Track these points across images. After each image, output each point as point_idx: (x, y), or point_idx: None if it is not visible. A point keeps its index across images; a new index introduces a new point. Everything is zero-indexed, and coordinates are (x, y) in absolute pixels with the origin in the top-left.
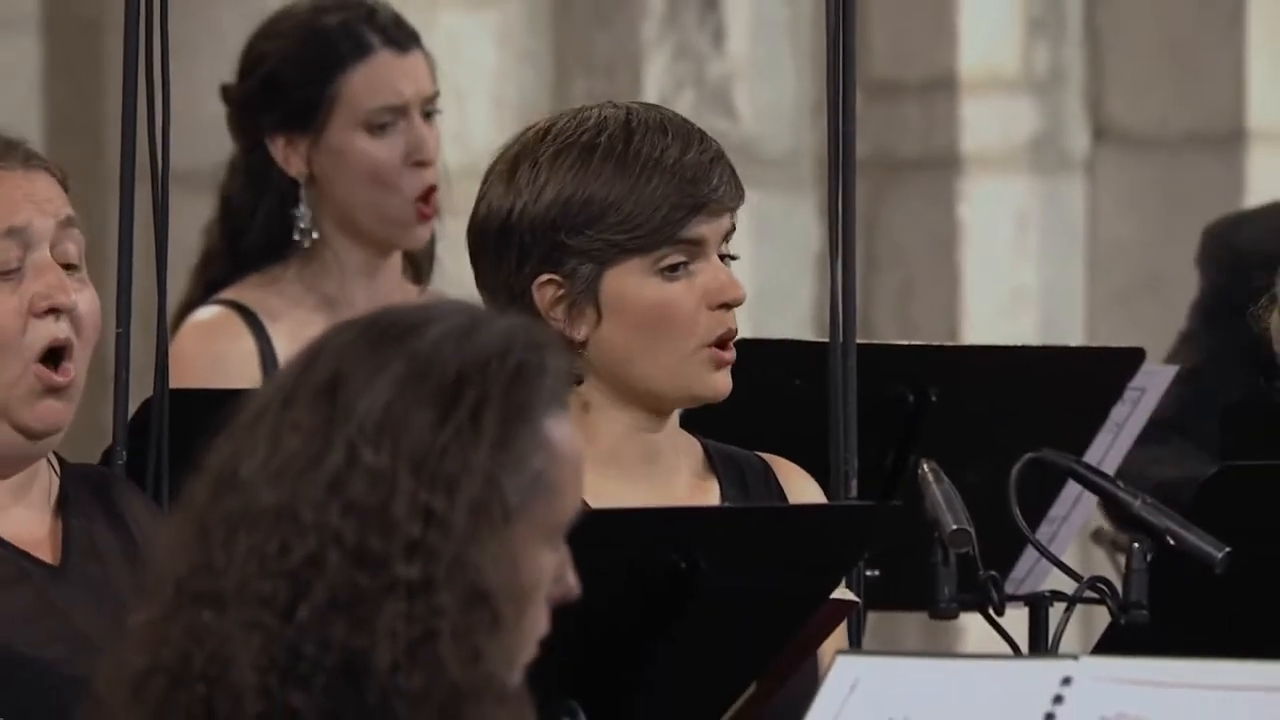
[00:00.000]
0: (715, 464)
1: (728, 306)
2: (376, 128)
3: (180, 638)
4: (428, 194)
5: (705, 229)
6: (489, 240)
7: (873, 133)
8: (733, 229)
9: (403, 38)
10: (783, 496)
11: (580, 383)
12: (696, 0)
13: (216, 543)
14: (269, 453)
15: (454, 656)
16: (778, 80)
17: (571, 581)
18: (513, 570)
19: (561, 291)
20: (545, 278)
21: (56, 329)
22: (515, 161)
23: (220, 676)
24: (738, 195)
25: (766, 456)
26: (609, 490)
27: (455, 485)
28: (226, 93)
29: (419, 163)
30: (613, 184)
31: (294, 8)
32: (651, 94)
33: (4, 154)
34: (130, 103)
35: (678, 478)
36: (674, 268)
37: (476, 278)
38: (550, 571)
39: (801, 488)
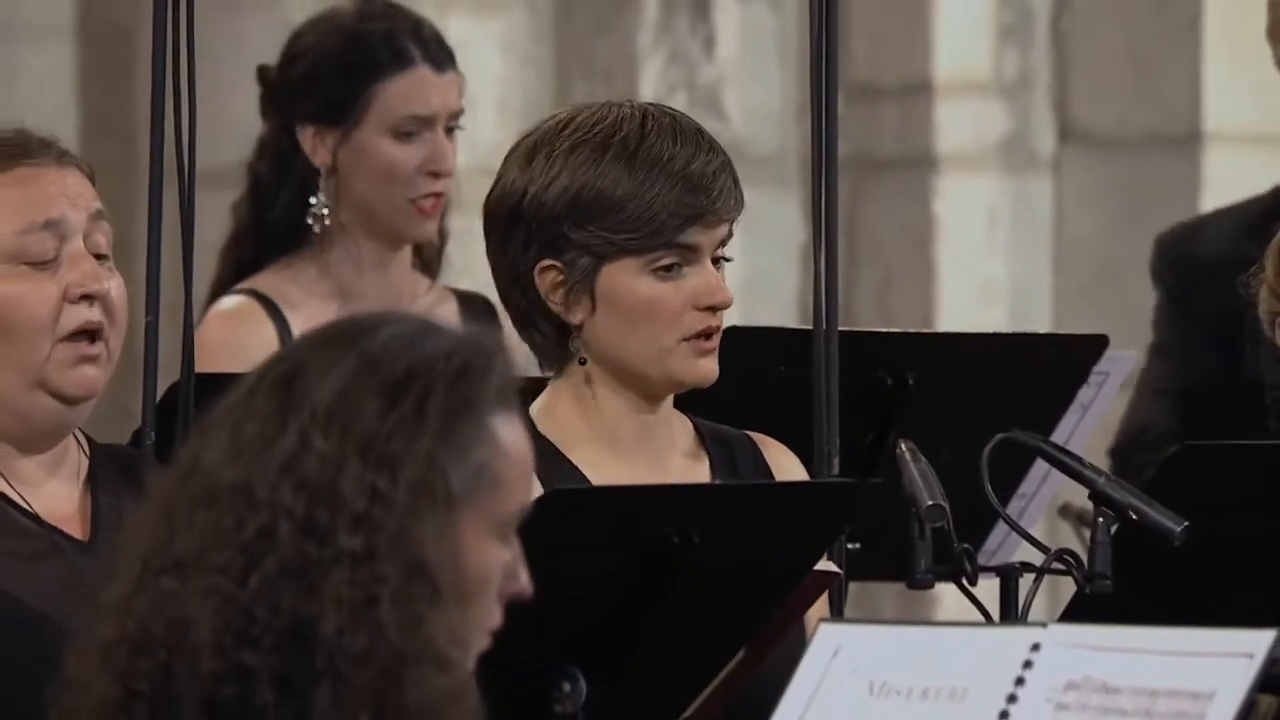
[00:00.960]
0: (706, 442)
1: (713, 309)
2: (403, 134)
3: (143, 608)
4: (434, 198)
5: (700, 237)
6: (499, 220)
7: (853, 134)
8: (729, 235)
9: (441, 56)
10: (769, 473)
11: (584, 363)
12: (689, 10)
13: (180, 522)
14: (229, 439)
15: (394, 621)
16: (764, 84)
17: (524, 580)
18: (456, 552)
19: (561, 277)
20: (547, 263)
21: (90, 313)
22: (534, 148)
23: (179, 641)
24: (736, 206)
25: (754, 435)
26: (608, 466)
27: (398, 466)
28: (264, 74)
29: (434, 173)
30: (619, 183)
31: (342, 8)
32: (647, 97)
33: (38, 151)
34: (159, 105)
35: (671, 455)
36: (667, 269)
37: (487, 252)
38: (500, 565)
39: (786, 465)
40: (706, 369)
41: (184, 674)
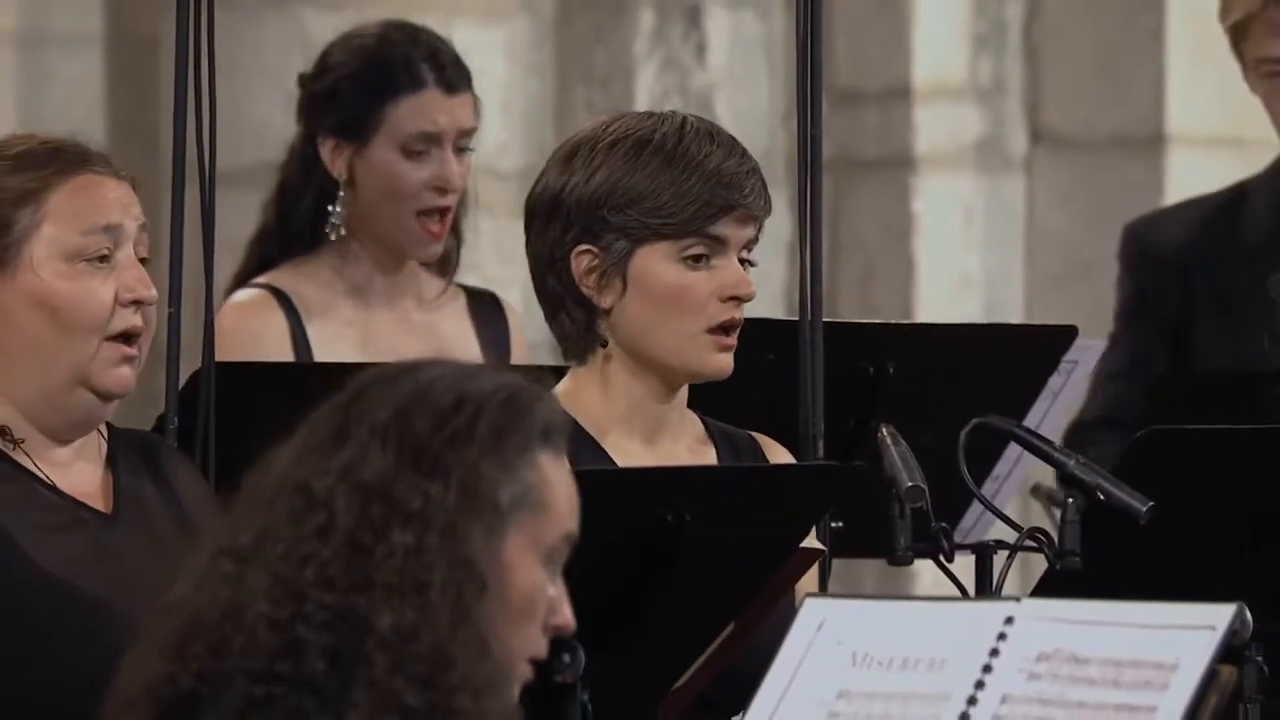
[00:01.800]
0: (714, 437)
1: (738, 300)
2: (412, 151)
3: (203, 599)
4: (441, 215)
5: (730, 230)
6: (540, 210)
7: (836, 136)
8: (756, 239)
9: (455, 79)
10: None
11: (605, 344)
12: (682, 19)
13: (239, 525)
14: (293, 452)
15: (443, 608)
16: (753, 90)
17: (568, 616)
18: (502, 562)
19: (595, 261)
20: (583, 248)
21: (134, 319)
22: (576, 147)
23: (236, 622)
24: (765, 207)
25: (757, 436)
26: (623, 448)
27: (449, 472)
28: (302, 81)
29: (439, 188)
30: (657, 175)
31: (368, 28)
32: (642, 102)
33: (99, 162)
34: (181, 110)
35: (680, 445)
36: (697, 258)
37: (526, 244)
38: (545, 591)
39: (783, 461)
40: (723, 363)
41: (237, 651)
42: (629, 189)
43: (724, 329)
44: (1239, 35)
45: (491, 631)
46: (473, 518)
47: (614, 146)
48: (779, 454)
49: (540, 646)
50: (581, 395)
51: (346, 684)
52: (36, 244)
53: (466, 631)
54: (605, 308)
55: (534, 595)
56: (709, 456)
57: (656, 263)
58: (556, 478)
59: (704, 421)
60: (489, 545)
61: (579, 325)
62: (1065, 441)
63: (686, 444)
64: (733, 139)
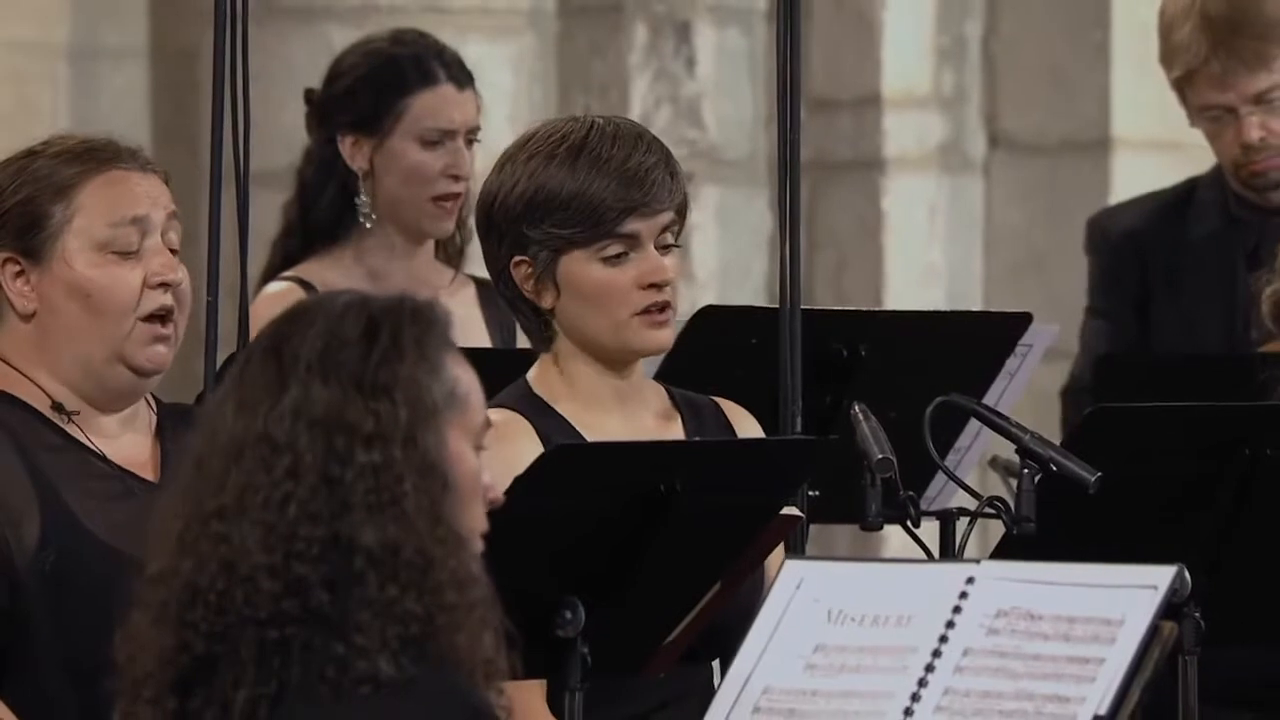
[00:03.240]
0: (678, 404)
1: (657, 287)
2: (429, 142)
3: (189, 566)
4: (453, 199)
5: (639, 225)
6: (481, 224)
7: (813, 140)
8: (673, 222)
9: (462, 77)
10: (731, 430)
11: (552, 340)
12: (673, 34)
13: (211, 487)
14: (237, 409)
15: (418, 513)
16: (737, 98)
17: (498, 492)
18: (450, 456)
19: (530, 270)
20: (518, 258)
21: (164, 299)
22: (505, 160)
23: (233, 575)
24: (671, 197)
25: (718, 400)
26: (590, 421)
27: (392, 389)
28: (309, 95)
29: (454, 175)
30: (564, 183)
31: (378, 35)
32: (636, 110)
33: (127, 158)
34: (219, 117)
35: (645, 414)
36: (614, 256)
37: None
38: (480, 472)
39: (744, 424)
40: (659, 338)
41: (240, 602)
42: (542, 204)
43: (652, 309)
44: (1183, 85)
45: (458, 523)
46: (423, 424)
47: (530, 159)
48: (740, 415)
49: (484, 521)
50: (546, 379)
51: (347, 607)
52: (69, 236)
53: (442, 530)
54: (548, 307)
55: (476, 477)
56: (675, 425)
57: (578, 267)
58: (464, 371)
59: (669, 391)
60: (440, 445)
61: (530, 322)
62: (1062, 403)
63: (653, 413)
64: (639, 134)
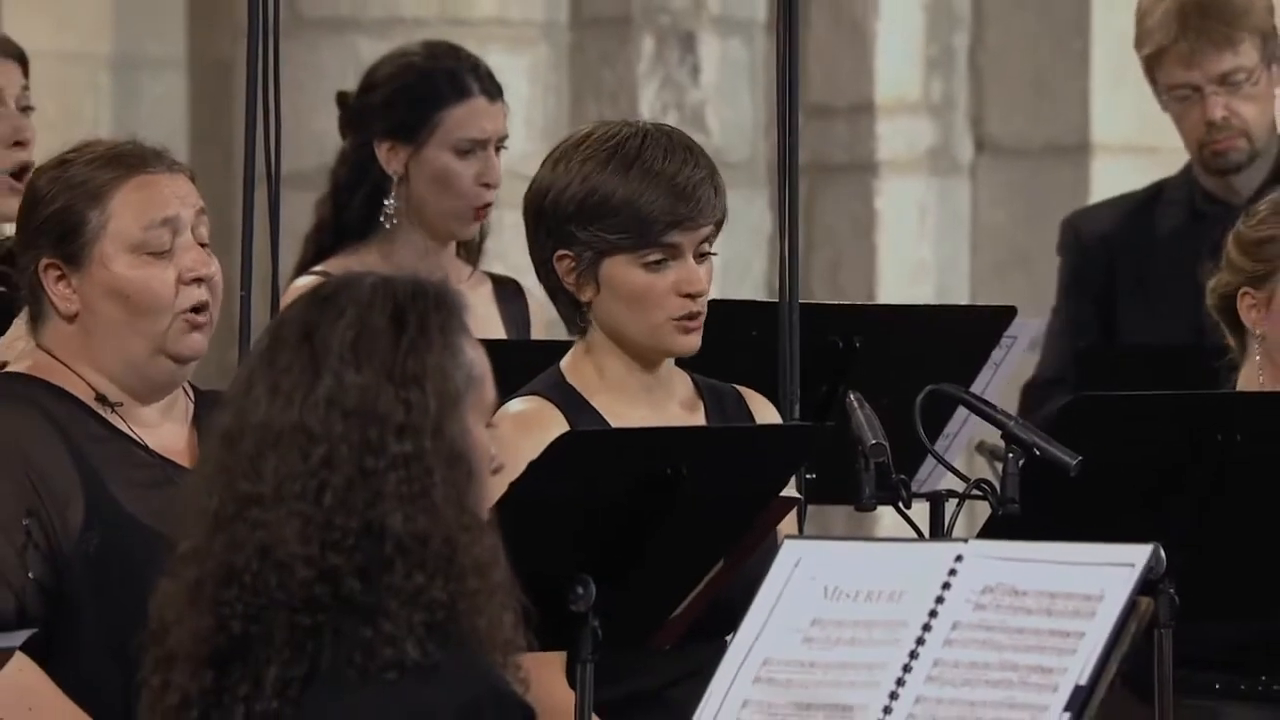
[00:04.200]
0: (702, 393)
1: (692, 296)
2: (462, 151)
3: (223, 547)
4: (487, 206)
5: (682, 238)
6: (529, 215)
7: (810, 144)
8: (713, 233)
9: (493, 89)
10: (751, 418)
11: (587, 330)
12: (678, 45)
13: (244, 470)
14: (270, 394)
15: (445, 502)
16: (738, 105)
17: (500, 460)
18: (470, 438)
19: (573, 264)
20: (562, 252)
21: (200, 293)
22: (559, 156)
23: (268, 561)
24: (714, 212)
25: (740, 388)
26: (620, 413)
27: (422, 379)
28: (343, 99)
29: (486, 184)
30: (616, 190)
31: (412, 47)
32: (644, 115)
33: (154, 161)
34: (252, 122)
35: (671, 403)
36: (655, 263)
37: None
38: (489, 446)
39: (765, 412)
40: (689, 343)
41: (274, 586)
42: (594, 208)
43: (685, 317)
44: (1153, 64)
45: (479, 508)
46: (449, 413)
47: (585, 161)
48: (760, 403)
49: (495, 491)
50: (579, 367)
51: (377, 594)
52: (105, 241)
53: (466, 518)
54: (586, 301)
55: (487, 453)
56: (699, 413)
57: (620, 269)
58: (477, 352)
59: (694, 380)
60: (463, 432)
61: (568, 311)
62: (1023, 398)
63: (678, 402)
64: (689, 146)
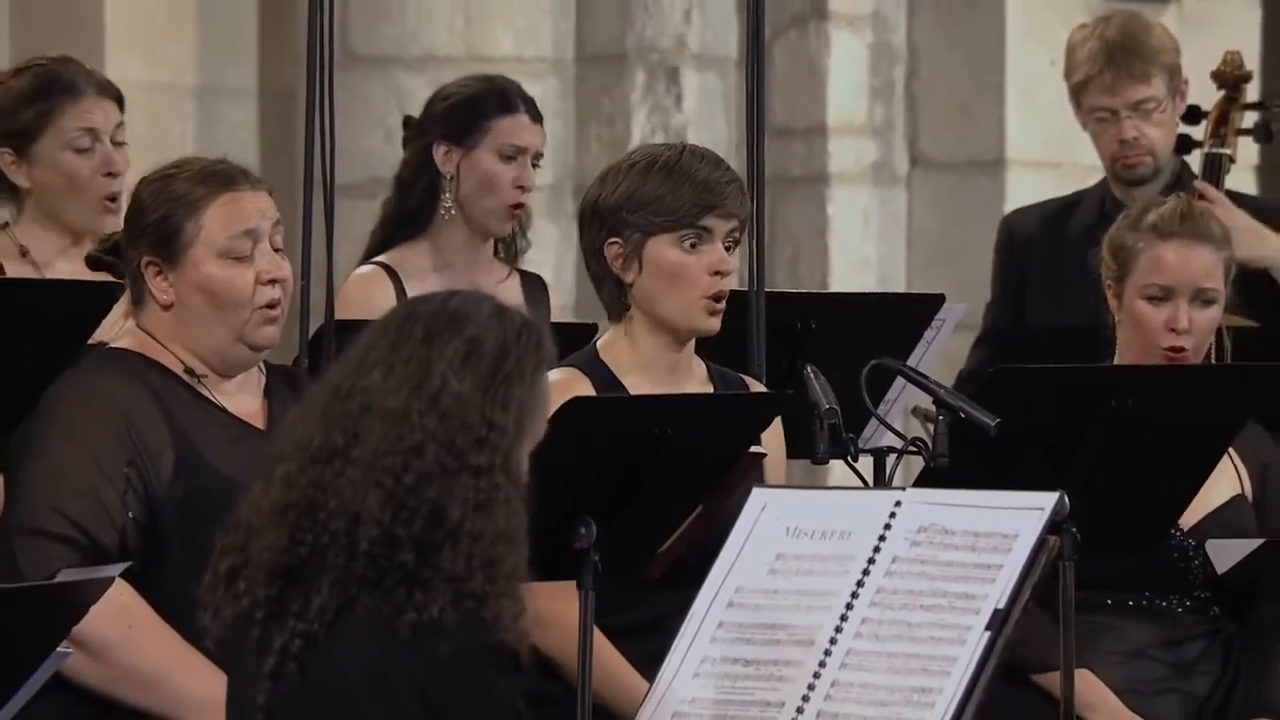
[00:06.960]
0: (714, 377)
1: (721, 274)
2: (506, 157)
3: (309, 483)
4: (520, 206)
5: (714, 223)
6: (584, 216)
7: (774, 160)
8: (737, 227)
9: (535, 113)
10: None
11: (630, 309)
12: (664, 78)
13: (345, 427)
14: (385, 373)
15: (502, 515)
16: (714, 128)
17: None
18: (524, 465)
19: (620, 250)
20: (611, 240)
21: (274, 292)
22: (611, 170)
23: (346, 513)
24: (740, 208)
25: (745, 377)
26: (641, 388)
27: (507, 405)
28: (408, 122)
29: (521, 186)
30: (661, 185)
31: (476, 75)
32: (636, 137)
33: (240, 180)
34: (311, 141)
35: (691, 384)
36: (692, 244)
37: (579, 241)
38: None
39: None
40: (714, 323)
41: (342, 533)
42: (642, 197)
43: (714, 298)
44: (1079, 90)
45: (523, 521)
46: (519, 441)
47: (632, 168)
48: (757, 388)
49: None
50: (615, 346)
51: (422, 568)
52: (198, 246)
53: (514, 528)
54: (629, 282)
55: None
56: (709, 391)
57: (663, 248)
58: (547, 385)
59: (708, 366)
60: (523, 458)
61: (613, 295)
62: (956, 387)
63: (697, 383)
64: (718, 160)
